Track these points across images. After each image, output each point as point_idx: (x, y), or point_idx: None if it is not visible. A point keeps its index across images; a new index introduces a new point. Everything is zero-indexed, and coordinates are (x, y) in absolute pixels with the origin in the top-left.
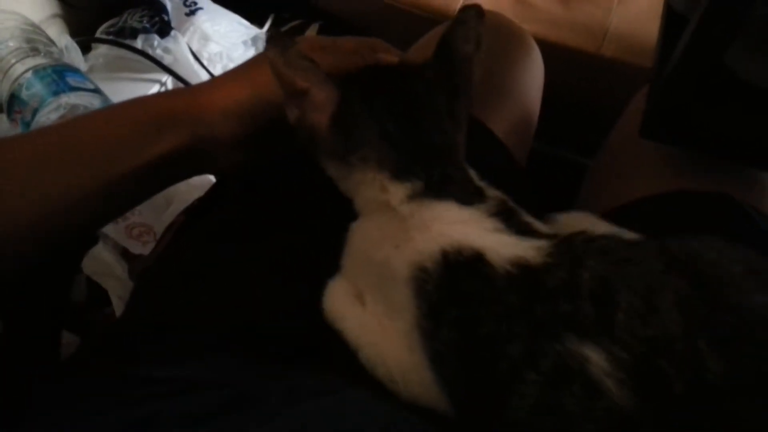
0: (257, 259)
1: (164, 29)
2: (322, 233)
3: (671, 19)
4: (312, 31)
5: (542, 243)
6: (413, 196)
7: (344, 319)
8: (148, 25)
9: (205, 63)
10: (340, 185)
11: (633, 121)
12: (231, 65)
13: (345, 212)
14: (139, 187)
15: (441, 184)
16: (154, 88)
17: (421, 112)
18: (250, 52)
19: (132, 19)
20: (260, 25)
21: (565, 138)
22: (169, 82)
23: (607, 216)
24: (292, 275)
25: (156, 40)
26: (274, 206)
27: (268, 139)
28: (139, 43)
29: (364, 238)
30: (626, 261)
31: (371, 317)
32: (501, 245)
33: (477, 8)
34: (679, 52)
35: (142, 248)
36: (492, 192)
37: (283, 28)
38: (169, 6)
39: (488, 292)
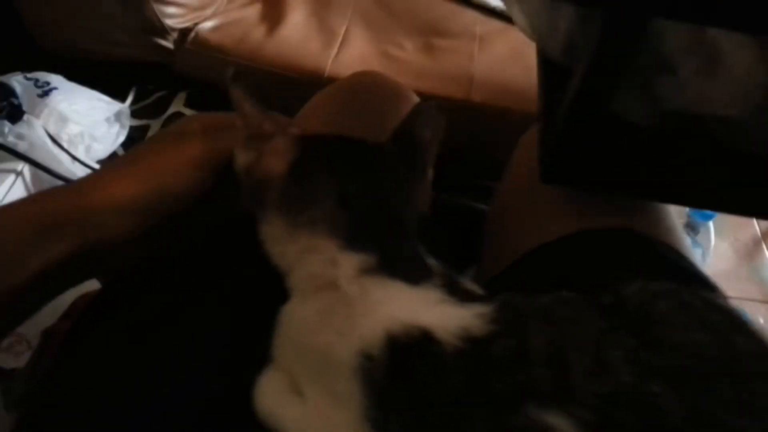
0: (175, 361)
1: (15, 114)
2: (243, 321)
3: (548, 68)
4: (179, 100)
5: (484, 308)
6: (364, 272)
7: (283, 416)
8: None
9: (65, 145)
10: (275, 255)
11: (521, 169)
12: (95, 145)
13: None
14: (19, 304)
15: (393, 260)
16: (10, 179)
17: (381, 184)
18: (114, 129)
19: None
20: (122, 100)
21: (456, 184)
22: (26, 171)
23: (513, 267)
24: (212, 372)
25: (7, 126)
26: (183, 298)
27: (164, 232)
28: None
29: (301, 323)
30: (568, 321)
31: (312, 410)
32: (446, 319)
33: (436, 103)
34: (567, 102)
35: (15, 361)
36: (435, 265)
37: (148, 101)
38: (18, 89)
39: (438, 371)
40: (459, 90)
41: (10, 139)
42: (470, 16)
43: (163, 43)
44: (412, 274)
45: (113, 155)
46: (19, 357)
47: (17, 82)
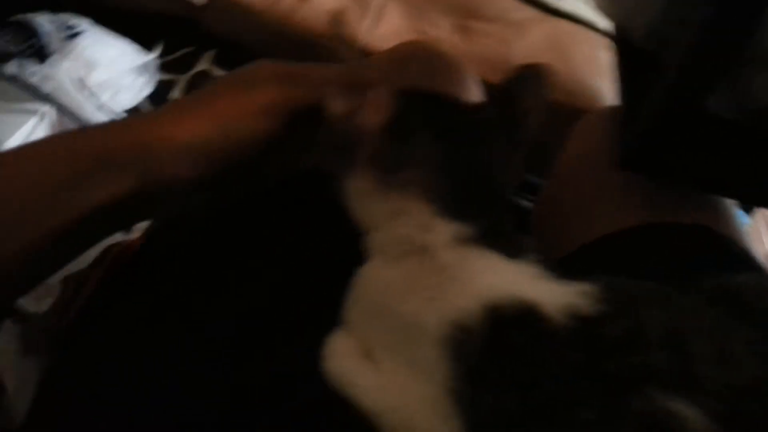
0: (234, 314)
1: (41, 54)
2: (309, 281)
3: (627, 51)
4: (207, 59)
5: (587, 287)
6: (459, 241)
7: (355, 383)
8: (20, 49)
9: (90, 91)
10: (359, 212)
11: (577, 160)
12: (120, 94)
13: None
14: (71, 243)
15: (490, 232)
16: (32, 120)
17: (483, 151)
18: (141, 81)
19: None
20: (149, 51)
21: None
22: (50, 114)
23: (571, 257)
24: (277, 332)
25: (32, 66)
26: (244, 250)
27: (224, 181)
28: (12, 69)
29: (384, 287)
30: (680, 307)
31: (389, 379)
32: (551, 294)
33: (538, 67)
34: (659, 95)
35: (36, 305)
36: (528, 240)
37: (175, 56)
38: (44, 29)
39: (545, 349)
40: (495, 75)
41: (36, 79)
42: (506, 1)
43: None
44: (510, 247)
45: (137, 108)
46: (41, 302)
47: (44, 21)
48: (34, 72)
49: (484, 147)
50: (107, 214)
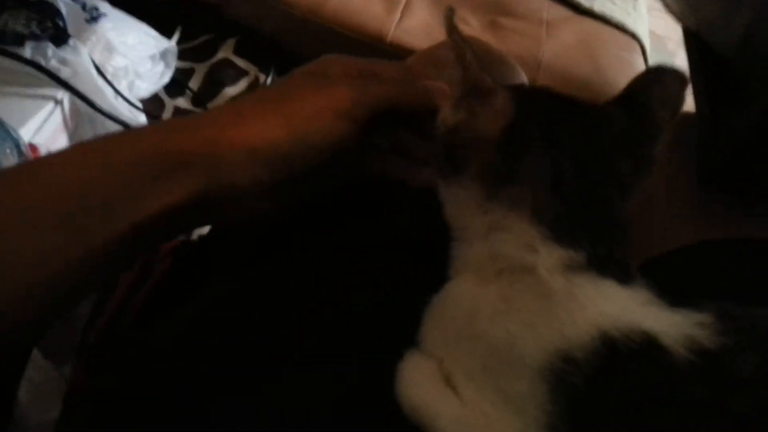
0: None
1: (59, 37)
2: (380, 294)
3: (708, 59)
4: (228, 47)
5: (702, 317)
6: (569, 268)
7: (434, 412)
8: (37, 31)
9: (109, 78)
10: (455, 221)
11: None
12: (138, 82)
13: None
14: (134, 246)
15: (603, 259)
16: (47, 107)
17: (604, 170)
18: (159, 68)
19: (15, 22)
20: (168, 38)
21: None
22: (66, 100)
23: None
24: (342, 350)
25: (50, 48)
26: (306, 257)
27: (293, 186)
28: (27, 52)
29: (474, 306)
30: None
31: (473, 410)
32: (667, 324)
33: (678, 73)
34: (756, 115)
35: None
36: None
37: (194, 43)
38: (64, 10)
39: (666, 385)
40: (526, 74)
41: (53, 64)
42: (536, 0)
43: None
44: (621, 272)
45: (155, 97)
46: None
47: (63, 2)
48: (51, 56)
49: (608, 164)
50: (168, 219)
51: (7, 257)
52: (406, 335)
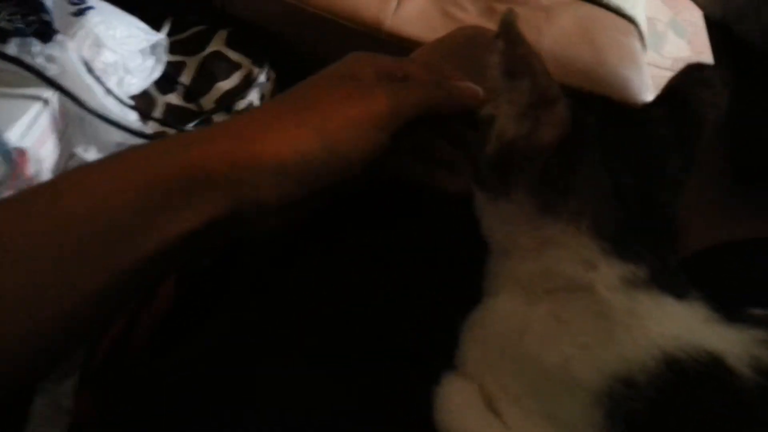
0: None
1: (45, 32)
2: (413, 309)
3: (733, 49)
4: (219, 39)
5: (762, 333)
6: (631, 284)
7: None
8: (22, 26)
9: (97, 74)
10: (498, 234)
11: None
12: (128, 78)
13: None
14: (151, 273)
15: (662, 271)
16: (35, 107)
17: (659, 178)
18: (149, 63)
19: None
20: (156, 30)
21: None
22: (54, 100)
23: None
24: (373, 371)
25: (36, 45)
26: (329, 268)
27: (323, 198)
28: (12, 49)
29: (521, 325)
30: None
31: None
32: (731, 343)
33: (720, 72)
34: None
35: None
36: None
37: (184, 35)
38: (49, 3)
39: (735, 410)
40: None
41: (39, 61)
42: None
43: None
44: (678, 285)
45: (145, 93)
46: None
47: None
48: (37, 52)
49: (659, 167)
50: (195, 238)
51: (23, 293)
52: (417, 343)
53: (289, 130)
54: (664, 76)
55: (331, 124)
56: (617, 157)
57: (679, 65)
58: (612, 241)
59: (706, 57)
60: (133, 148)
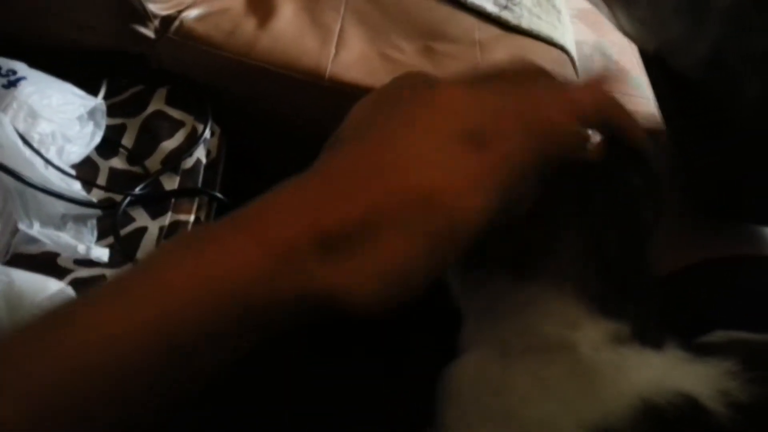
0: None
1: None
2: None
3: (673, 83)
4: (160, 97)
5: (725, 364)
6: (616, 340)
7: None
8: None
9: (36, 147)
10: (474, 300)
11: None
12: (68, 146)
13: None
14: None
15: (644, 325)
16: None
17: (637, 228)
18: (89, 129)
19: None
20: (93, 94)
21: None
22: None
23: None
24: None
25: None
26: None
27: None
28: None
29: (502, 385)
30: None
31: None
32: (701, 381)
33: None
34: (742, 135)
35: None
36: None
37: (122, 97)
38: None
39: None
40: None
41: None
42: (467, 21)
43: (143, 31)
44: (657, 337)
45: (87, 159)
46: None
47: None
48: None
49: (637, 220)
50: None
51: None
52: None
53: (392, 240)
54: None
55: (442, 206)
56: (599, 217)
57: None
58: (596, 300)
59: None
60: (172, 254)
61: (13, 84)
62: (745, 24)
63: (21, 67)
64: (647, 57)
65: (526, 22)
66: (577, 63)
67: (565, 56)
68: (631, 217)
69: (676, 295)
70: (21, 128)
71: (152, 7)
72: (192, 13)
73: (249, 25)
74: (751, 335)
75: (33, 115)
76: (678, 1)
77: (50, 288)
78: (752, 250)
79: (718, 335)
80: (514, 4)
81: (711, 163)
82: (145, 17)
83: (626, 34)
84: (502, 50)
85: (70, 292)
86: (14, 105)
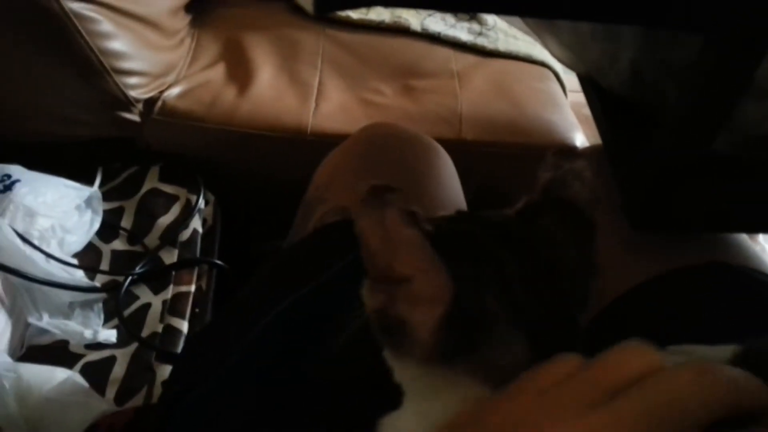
0: None
1: None
2: None
3: (604, 100)
4: (153, 176)
5: None
6: None
7: None
8: None
9: (36, 243)
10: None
11: None
12: (68, 237)
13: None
14: None
15: None
16: None
17: (565, 305)
18: (87, 217)
19: None
20: (89, 183)
21: None
22: None
23: (602, 315)
24: None
25: None
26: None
27: None
28: None
29: None
30: None
31: None
32: None
33: (579, 150)
34: (663, 144)
35: None
36: None
37: (117, 181)
38: None
39: None
40: (450, 130)
41: None
42: (442, 53)
43: (129, 116)
44: None
45: (89, 246)
46: None
47: None
48: None
49: (564, 294)
50: None
51: None
52: None
53: None
54: None
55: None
56: (532, 307)
57: None
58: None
59: None
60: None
61: (8, 188)
62: (656, 40)
63: (15, 170)
64: (581, 78)
65: (503, 45)
66: (562, 75)
67: (546, 71)
68: (564, 281)
69: (637, 311)
70: (20, 228)
71: (133, 93)
72: (173, 92)
73: (229, 94)
74: (702, 347)
75: (30, 214)
76: (593, 27)
77: (57, 377)
78: (722, 256)
79: (671, 349)
80: (489, 29)
81: (643, 176)
82: (128, 104)
83: (557, 58)
84: (481, 77)
85: (78, 379)
86: (11, 207)
